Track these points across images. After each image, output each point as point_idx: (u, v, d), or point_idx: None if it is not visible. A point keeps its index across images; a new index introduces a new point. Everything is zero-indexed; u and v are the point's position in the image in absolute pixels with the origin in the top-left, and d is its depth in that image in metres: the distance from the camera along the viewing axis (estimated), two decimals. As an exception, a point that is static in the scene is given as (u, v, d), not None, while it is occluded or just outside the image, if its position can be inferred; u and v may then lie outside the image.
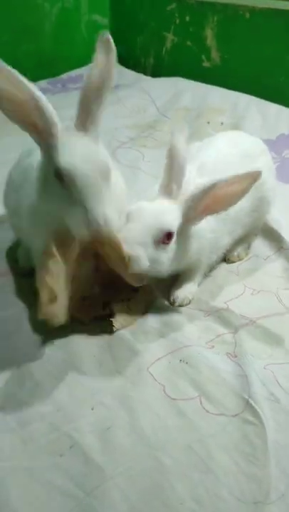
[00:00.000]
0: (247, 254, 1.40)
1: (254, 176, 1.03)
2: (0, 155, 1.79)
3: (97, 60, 0.92)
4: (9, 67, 0.86)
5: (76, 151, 0.90)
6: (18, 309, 1.13)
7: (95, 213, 0.86)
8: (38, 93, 0.88)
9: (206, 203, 1.05)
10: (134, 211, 1.06)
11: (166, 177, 1.11)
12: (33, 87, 0.88)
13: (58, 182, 0.89)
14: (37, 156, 1.00)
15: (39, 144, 0.93)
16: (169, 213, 1.06)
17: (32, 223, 1.03)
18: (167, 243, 1.05)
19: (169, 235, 1.04)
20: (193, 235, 1.12)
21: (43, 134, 0.91)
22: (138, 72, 2.99)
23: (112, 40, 0.92)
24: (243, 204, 1.25)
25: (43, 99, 0.89)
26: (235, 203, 1.07)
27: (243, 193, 1.06)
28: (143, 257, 1.01)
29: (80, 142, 0.92)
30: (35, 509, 0.74)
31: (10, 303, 1.15)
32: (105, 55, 0.92)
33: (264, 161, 1.34)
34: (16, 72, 0.87)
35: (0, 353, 1.00)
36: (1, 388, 0.93)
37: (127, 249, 0.99)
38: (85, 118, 0.93)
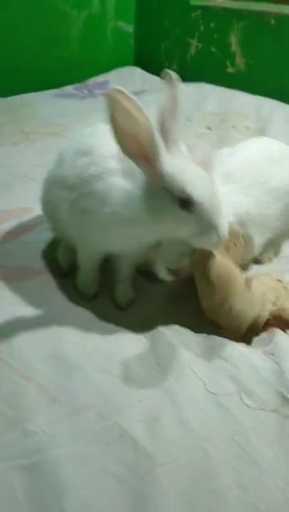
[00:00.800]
0: (277, 255, 1.44)
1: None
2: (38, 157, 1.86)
3: (166, 92, 1.00)
4: (132, 96, 0.91)
5: (195, 179, 0.98)
6: (62, 306, 1.18)
7: (223, 229, 0.98)
8: (151, 121, 0.93)
9: None
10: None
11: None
12: (148, 116, 0.92)
13: (179, 207, 0.97)
14: (96, 156, 1.08)
15: (145, 171, 0.99)
16: None
17: (117, 233, 1.08)
18: None
19: None
20: None
21: (151, 162, 0.97)
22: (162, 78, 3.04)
23: (174, 75, 1.00)
24: (271, 211, 1.29)
25: (154, 128, 0.94)
26: None
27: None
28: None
29: (190, 168, 0.99)
30: (92, 492, 0.78)
31: (53, 300, 1.20)
32: (171, 87, 1.00)
33: None
34: (137, 102, 0.91)
35: (49, 349, 1.05)
36: (53, 381, 0.97)
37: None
38: (168, 142, 0.99)
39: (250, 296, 1.09)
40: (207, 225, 0.98)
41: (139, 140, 0.94)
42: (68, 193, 1.13)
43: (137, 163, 0.98)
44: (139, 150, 0.96)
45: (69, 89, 2.95)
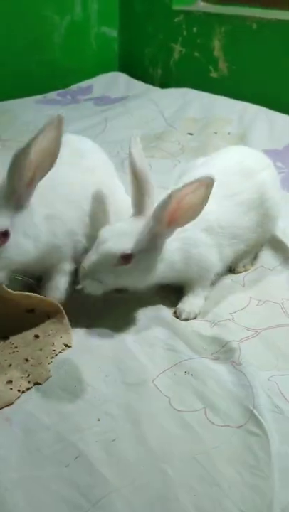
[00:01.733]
0: (253, 265, 1.41)
1: (207, 183, 1.03)
2: None
3: (45, 135, 0.98)
4: None
5: None
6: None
7: None
8: None
9: (169, 215, 1.06)
10: (100, 234, 1.10)
11: (136, 194, 1.13)
12: None
13: None
14: None
15: None
16: (126, 235, 1.08)
17: None
18: (126, 264, 1.07)
19: (126, 257, 1.06)
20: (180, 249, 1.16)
21: None
22: (146, 83, 3.03)
23: (63, 121, 0.99)
24: (244, 223, 1.27)
25: None
26: (199, 212, 1.08)
27: (204, 200, 1.06)
28: (94, 288, 1.07)
29: None
30: (41, 519, 0.75)
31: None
32: (55, 131, 0.99)
33: (266, 178, 1.34)
34: None
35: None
36: (8, 399, 0.94)
37: (81, 280, 1.08)
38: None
39: None
40: None
41: None
42: None
43: None
44: None
45: (52, 95, 2.93)
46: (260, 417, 0.92)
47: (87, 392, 0.97)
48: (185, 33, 2.80)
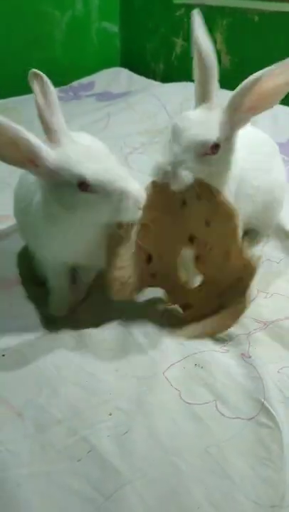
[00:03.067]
0: (259, 258, 1.40)
1: None
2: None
3: (37, 90, 0.99)
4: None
5: (81, 159, 0.94)
6: (35, 318, 1.16)
7: (135, 192, 0.94)
8: (21, 130, 0.91)
9: (250, 100, 1.00)
10: (176, 124, 1.01)
11: (201, 81, 1.05)
12: (15, 127, 0.90)
13: (82, 192, 0.93)
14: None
15: (37, 173, 0.96)
16: (208, 124, 1.00)
17: (50, 236, 1.05)
18: (213, 153, 1.00)
19: (214, 147, 1.00)
20: None
21: (38, 162, 0.94)
22: (148, 77, 3.01)
23: (42, 74, 1.00)
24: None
25: (26, 134, 0.91)
26: (280, 97, 1.02)
27: (287, 84, 0.99)
28: (183, 178, 0.99)
29: (73, 151, 0.96)
30: (55, 514, 0.75)
31: (26, 312, 1.18)
32: (41, 86, 1.00)
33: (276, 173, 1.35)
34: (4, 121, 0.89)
35: (17, 361, 1.02)
36: (19, 395, 0.94)
37: (169, 169, 0.98)
38: (52, 134, 0.98)
39: None
40: (116, 196, 0.93)
41: (20, 149, 0.92)
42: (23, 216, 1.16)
43: (27, 169, 0.95)
44: (22, 157, 0.93)
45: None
46: (271, 409, 0.92)
47: (98, 386, 0.97)
48: (186, 26, 2.78)
